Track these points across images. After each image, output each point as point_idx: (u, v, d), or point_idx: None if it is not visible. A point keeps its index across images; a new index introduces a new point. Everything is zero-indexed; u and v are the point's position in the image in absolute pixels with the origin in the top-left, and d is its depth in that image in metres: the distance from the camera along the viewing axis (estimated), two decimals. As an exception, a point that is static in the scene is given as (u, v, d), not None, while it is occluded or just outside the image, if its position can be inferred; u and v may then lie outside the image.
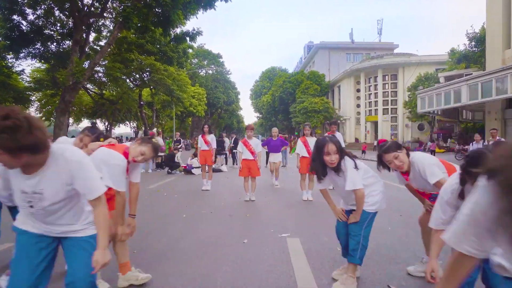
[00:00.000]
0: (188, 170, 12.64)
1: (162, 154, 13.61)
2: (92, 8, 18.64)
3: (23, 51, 19.19)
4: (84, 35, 20.00)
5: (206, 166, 8.61)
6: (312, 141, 6.52)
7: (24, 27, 18.14)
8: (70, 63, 16.88)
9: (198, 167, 12.40)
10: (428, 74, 33.98)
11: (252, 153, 6.82)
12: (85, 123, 35.02)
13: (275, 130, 9.22)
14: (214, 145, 8.64)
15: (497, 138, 8.88)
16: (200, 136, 8.73)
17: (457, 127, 39.70)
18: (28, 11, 18.21)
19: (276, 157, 8.88)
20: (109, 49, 22.58)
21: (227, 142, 15.35)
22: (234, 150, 15.44)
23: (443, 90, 18.59)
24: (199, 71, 45.48)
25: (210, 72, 49.00)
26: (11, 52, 18.64)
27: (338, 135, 8.45)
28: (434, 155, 24.20)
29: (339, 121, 47.19)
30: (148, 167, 13.55)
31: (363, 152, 28.09)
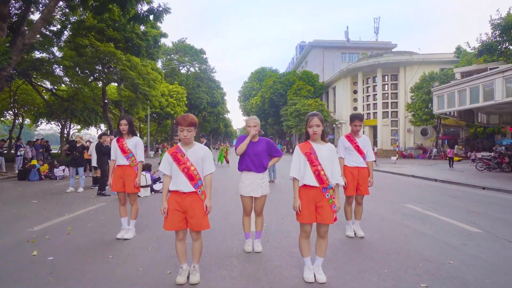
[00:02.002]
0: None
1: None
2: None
3: None
4: (20, 13, 16.23)
5: (126, 196, 4.96)
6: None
7: None
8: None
9: (146, 186, 8.76)
10: (434, 74, 31.25)
11: (192, 177, 3.18)
12: (43, 125, 30.98)
13: (251, 121, 4.08)
14: (140, 157, 4.95)
15: None
16: (114, 140, 5.00)
17: (463, 132, 37.16)
18: None
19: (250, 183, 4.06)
20: (53, 28, 18.98)
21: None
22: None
23: (468, 86, 15.35)
24: (179, 68, 41.73)
25: (192, 69, 45.30)
26: None
27: (365, 138, 4.98)
28: (452, 163, 21.23)
29: (334, 126, 44.24)
30: (78, 184, 9.79)
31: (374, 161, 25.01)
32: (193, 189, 3.14)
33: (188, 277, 3.21)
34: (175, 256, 3.43)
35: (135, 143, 4.91)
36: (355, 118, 4.79)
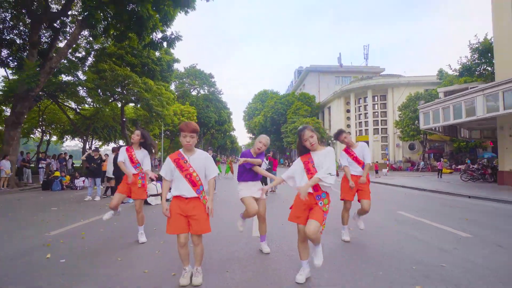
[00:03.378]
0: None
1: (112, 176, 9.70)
2: (54, 6, 15.20)
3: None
4: (47, 40, 16.52)
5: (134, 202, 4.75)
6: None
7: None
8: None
9: (157, 195, 8.56)
10: (419, 94, 31.23)
11: (195, 183, 3.03)
12: (68, 142, 31.10)
13: (263, 139, 4.08)
14: (146, 166, 4.76)
15: None
16: (123, 149, 4.81)
17: (447, 146, 36.73)
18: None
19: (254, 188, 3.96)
20: (78, 55, 19.23)
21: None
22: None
23: (451, 103, 15.18)
24: (190, 91, 42.09)
25: (202, 92, 45.66)
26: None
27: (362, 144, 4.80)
28: (441, 175, 20.88)
29: (329, 142, 44.01)
30: (95, 193, 9.62)
31: (376, 171, 24.87)
32: (195, 195, 2.97)
33: (191, 279, 3.02)
34: (179, 259, 3.24)
35: (143, 155, 4.76)
36: (337, 136, 4.71)
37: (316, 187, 2.98)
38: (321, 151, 3.09)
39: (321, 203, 2.95)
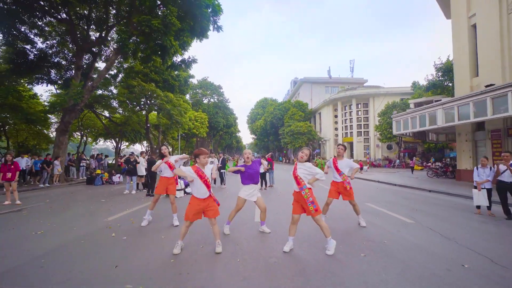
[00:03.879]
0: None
1: (143, 174, 10.66)
2: (94, 38, 16.13)
3: (33, 76, 16.49)
4: (89, 62, 17.46)
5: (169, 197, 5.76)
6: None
7: (31, 55, 15.51)
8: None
9: (180, 189, 9.47)
10: (395, 103, 31.96)
11: (208, 186, 3.98)
12: (101, 143, 32.10)
13: (246, 152, 4.98)
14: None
15: (511, 162, 6.14)
16: (160, 162, 5.80)
17: (419, 147, 37.42)
18: (36, 39, 15.68)
19: (251, 192, 4.77)
20: (111, 73, 20.12)
21: (215, 162, 12.44)
22: (222, 170, 12.55)
23: (418, 114, 16.01)
24: (203, 100, 43.00)
25: (212, 100, 46.54)
26: (18, 77, 15.83)
27: (346, 160, 5.55)
28: (413, 171, 21.70)
29: (320, 142, 44.74)
30: (132, 188, 10.58)
31: (361, 168, 25.23)
32: (209, 194, 3.96)
33: (181, 250, 3.97)
34: (204, 237, 4.20)
35: (178, 157, 5.76)
36: (339, 145, 5.46)
37: (297, 182, 3.96)
38: (303, 164, 4.03)
39: (303, 192, 3.90)
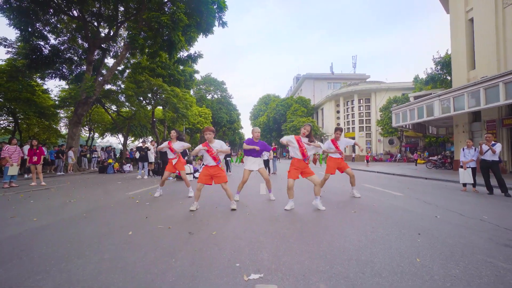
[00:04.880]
0: (180, 177, 10.40)
1: (152, 161, 11.41)
2: (103, 34, 16.88)
3: (46, 71, 17.31)
4: (99, 57, 18.22)
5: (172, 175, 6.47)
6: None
7: (45, 50, 16.32)
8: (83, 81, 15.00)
9: (190, 173, 10.22)
10: (397, 97, 32.40)
11: (215, 158, 4.74)
12: (106, 139, 33.00)
13: (257, 130, 5.57)
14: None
15: (493, 142, 6.78)
16: (166, 143, 6.48)
17: (421, 141, 37.89)
18: (50, 36, 16.47)
19: (254, 162, 5.54)
20: (119, 68, 20.86)
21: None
22: (227, 159, 13.28)
23: (416, 106, 16.60)
24: (206, 95, 43.73)
25: (216, 96, 47.27)
26: (33, 72, 16.64)
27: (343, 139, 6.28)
28: (416, 164, 22.38)
29: (322, 137, 45.31)
30: (144, 174, 11.35)
31: (367, 161, 25.77)
32: (215, 164, 4.71)
33: (196, 208, 4.70)
34: (217, 202, 4.92)
35: (181, 145, 6.41)
36: (336, 129, 6.17)
37: (303, 155, 4.64)
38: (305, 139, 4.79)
39: (305, 160, 4.65)
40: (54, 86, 45.03)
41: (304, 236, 3.21)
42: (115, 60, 15.94)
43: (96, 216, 4.31)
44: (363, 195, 6.45)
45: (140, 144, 11.62)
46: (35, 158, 8.83)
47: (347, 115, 41.79)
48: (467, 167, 7.31)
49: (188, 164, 10.32)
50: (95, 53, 18.94)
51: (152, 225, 3.70)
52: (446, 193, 6.91)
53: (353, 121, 40.73)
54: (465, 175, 7.27)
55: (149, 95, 22.19)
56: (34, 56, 15.62)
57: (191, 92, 33.65)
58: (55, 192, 7.23)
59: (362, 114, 40.15)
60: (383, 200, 5.76)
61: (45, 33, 16.05)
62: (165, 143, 6.39)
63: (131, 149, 11.99)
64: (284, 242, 2.98)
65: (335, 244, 2.90)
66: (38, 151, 8.91)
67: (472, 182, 7.24)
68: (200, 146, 4.74)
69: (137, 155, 11.77)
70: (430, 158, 21.72)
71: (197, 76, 40.86)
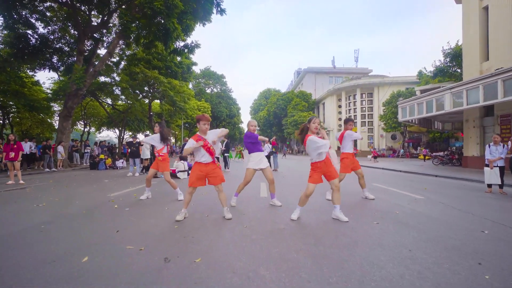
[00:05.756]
0: (173, 174, 9.54)
1: (147, 157, 10.51)
2: (96, 23, 15.83)
3: (35, 61, 16.30)
4: (91, 48, 17.19)
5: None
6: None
7: (33, 39, 15.30)
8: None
9: (184, 171, 9.34)
10: (401, 92, 31.37)
11: (212, 153, 3.83)
12: (104, 132, 32.11)
13: (253, 124, 4.67)
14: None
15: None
16: (194, 142, 5.54)
17: (424, 137, 36.95)
18: (38, 24, 15.44)
19: (260, 159, 4.60)
20: (113, 60, 19.85)
21: (219, 146, 12.26)
22: (225, 154, 12.41)
23: (424, 99, 15.63)
24: (206, 89, 42.61)
25: (215, 90, 46.14)
26: (20, 62, 15.63)
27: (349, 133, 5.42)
28: (425, 159, 21.56)
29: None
30: (135, 171, 10.48)
31: (375, 157, 24.95)
32: (212, 160, 3.80)
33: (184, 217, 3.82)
34: (210, 208, 4.05)
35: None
36: (349, 121, 5.32)
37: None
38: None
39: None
40: (47, 79, 43.61)
41: (321, 264, 2.34)
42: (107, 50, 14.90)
43: (55, 229, 3.44)
44: (378, 197, 5.58)
45: (131, 139, 10.72)
46: (12, 154, 7.95)
47: (349, 109, 40.78)
48: (494, 166, 6.42)
49: (182, 161, 9.45)
50: (88, 44, 17.98)
51: (120, 245, 2.83)
52: (471, 196, 6.04)
53: (355, 115, 39.73)
54: (491, 175, 6.39)
55: (146, 88, 21.22)
56: (20, 46, 14.61)
57: (190, 85, 32.65)
58: (29, 192, 6.37)
59: (364, 108, 39.16)
60: (403, 204, 4.89)
61: (33, 21, 15.02)
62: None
63: (123, 144, 11.08)
64: (294, 277, 2.11)
65: (367, 281, 2.03)
66: (15, 146, 8.02)
67: (500, 182, 6.37)
68: (193, 142, 3.75)
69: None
70: (436, 154, 20.87)
71: (196, 69, 39.71)
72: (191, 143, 3.77)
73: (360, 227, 3.45)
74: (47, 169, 12.71)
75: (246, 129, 4.86)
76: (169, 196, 5.71)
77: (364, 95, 39.17)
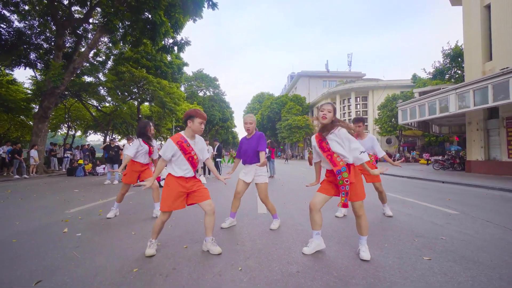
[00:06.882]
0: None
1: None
2: (77, 16, 14.55)
3: (9, 57, 14.85)
4: (72, 45, 15.88)
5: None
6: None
7: (6, 34, 13.91)
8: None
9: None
10: (395, 95, 30.86)
11: (195, 164, 2.68)
12: (91, 136, 30.45)
13: (248, 122, 3.50)
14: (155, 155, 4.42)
15: None
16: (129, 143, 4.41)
17: (419, 140, 36.48)
18: (13, 17, 14.08)
19: (251, 172, 3.53)
20: (99, 59, 18.54)
21: (211, 150, 11.09)
22: (217, 159, 11.22)
23: (426, 101, 14.82)
24: (198, 92, 41.39)
25: (208, 93, 44.94)
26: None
27: (370, 137, 4.37)
28: (428, 164, 20.79)
29: (318, 136, 43.63)
30: (113, 178, 9.18)
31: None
32: (193, 174, 2.65)
33: (208, 249, 2.65)
34: (190, 233, 2.88)
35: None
36: (359, 121, 4.25)
37: (334, 163, 2.60)
38: (331, 134, 2.71)
39: (339, 177, 2.56)
40: (26, 78, 41.70)
41: None
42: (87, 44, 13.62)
43: None
44: (403, 213, 4.51)
45: (108, 142, 9.43)
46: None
47: (344, 113, 40.15)
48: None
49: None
50: (70, 41, 16.65)
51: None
52: (508, 208, 5.02)
53: (349, 119, 39.10)
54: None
55: (135, 89, 19.90)
56: (-9, 40, 13.22)
57: (182, 88, 31.37)
58: (-31, 208, 5.06)
59: (359, 112, 38.58)
60: (441, 224, 3.81)
61: (7, 13, 13.66)
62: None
63: (101, 148, 9.80)
64: None
65: None
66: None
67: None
68: (171, 144, 2.60)
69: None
70: (436, 158, 20.13)
71: (188, 71, 38.66)
72: (170, 145, 2.60)
73: (405, 265, 2.32)
74: (17, 176, 11.26)
75: (239, 134, 3.70)
76: (142, 213, 4.50)
77: (358, 98, 38.64)
